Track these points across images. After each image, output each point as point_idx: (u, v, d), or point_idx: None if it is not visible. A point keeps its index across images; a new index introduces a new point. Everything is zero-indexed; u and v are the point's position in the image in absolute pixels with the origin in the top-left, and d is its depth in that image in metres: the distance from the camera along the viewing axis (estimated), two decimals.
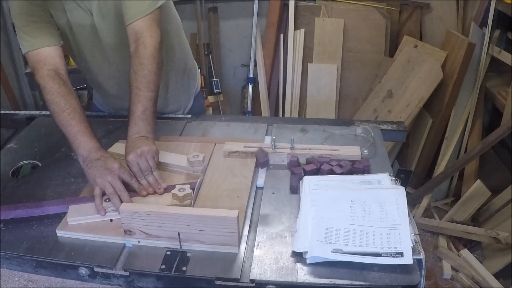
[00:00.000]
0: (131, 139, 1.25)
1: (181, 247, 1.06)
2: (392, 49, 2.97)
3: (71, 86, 1.32)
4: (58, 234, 1.11)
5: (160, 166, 1.31)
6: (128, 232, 1.07)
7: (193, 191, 1.18)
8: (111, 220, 1.13)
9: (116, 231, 1.10)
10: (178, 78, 1.66)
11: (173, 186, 1.19)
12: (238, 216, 1.01)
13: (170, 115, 1.70)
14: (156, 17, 1.34)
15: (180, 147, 1.42)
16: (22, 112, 1.80)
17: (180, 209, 1.07)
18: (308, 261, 0.99)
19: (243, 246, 1.06)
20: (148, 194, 1.21)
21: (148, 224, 1.05)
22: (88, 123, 1.27)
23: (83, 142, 1.22)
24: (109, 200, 1.15)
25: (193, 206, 1.16)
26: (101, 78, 1.58)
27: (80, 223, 1.12)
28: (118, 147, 1.40)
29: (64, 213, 1.15)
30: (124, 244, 1.08)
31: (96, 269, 1.02)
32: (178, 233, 1.04)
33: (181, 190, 1.16)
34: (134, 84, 1.28)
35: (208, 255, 1.04)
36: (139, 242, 1.07)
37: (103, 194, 1.16)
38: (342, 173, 1.26)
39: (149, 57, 1.29)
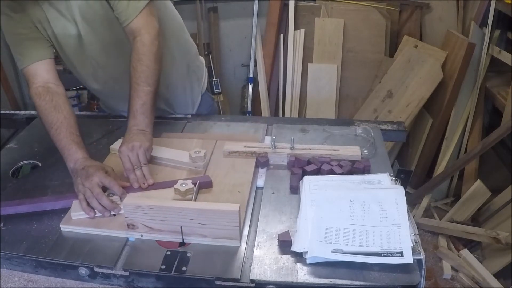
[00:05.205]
0: (129, 131, 1.30)
1: (183, 241, 1.07)
2: (392, 49, 2.97)
3: (60, 98, 1.35)
4: (62, 229, 1.13)
5: (161, 161, 1.36)
6: (131, 226, 1.09)
7: (195, 186, 1.19)
8: (114, 215, 1.16)
9: (119, 225, 1.12)
10: (180, 79, 1.66)
11: (175, 182, 1.20)
12: (239, 210, 1.03)
13: (170, 115, 1.70)
14: (151, 11, 1.35)
15: (182, 144, 1.44)
16: (22, 112, 1.80)
17: (182, 203, 1.09)
18: (308, 261, 0.99)
19: (243, 246, 1.06)
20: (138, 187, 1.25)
21: (151, 218, 1.07)
22: (76, 135, 1.30)
23: (69, 156, 1.27)
24: (112, 195, 1.18)
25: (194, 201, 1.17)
26: (95, 85, 1.58)
27: (83, 218, 1.15)
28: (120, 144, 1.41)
29: (64, 209, 1.17)
30: (127, 238, 1.10)
31: (96, 269, 1.02)
32: (181, 227, 1.06)
33: (183, 185, 1.18)
34: (133, 79, 1.31)
35: (210, 249, 1.05)
36: (141, 236, 1.09)
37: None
38: (342, 173, 1.26)
39: (147, 53, 1.31)
